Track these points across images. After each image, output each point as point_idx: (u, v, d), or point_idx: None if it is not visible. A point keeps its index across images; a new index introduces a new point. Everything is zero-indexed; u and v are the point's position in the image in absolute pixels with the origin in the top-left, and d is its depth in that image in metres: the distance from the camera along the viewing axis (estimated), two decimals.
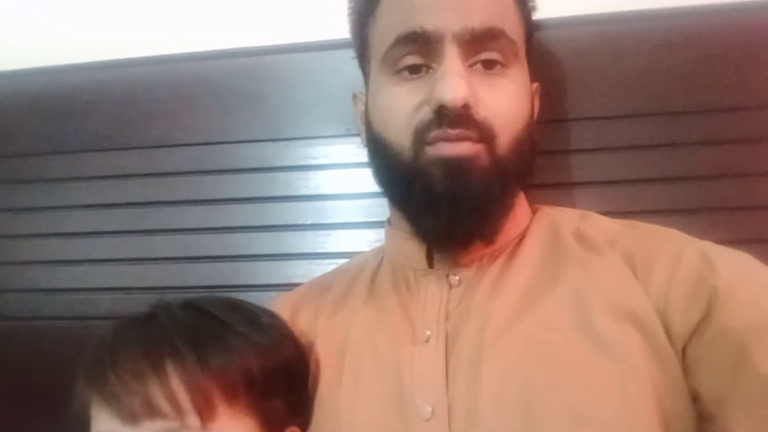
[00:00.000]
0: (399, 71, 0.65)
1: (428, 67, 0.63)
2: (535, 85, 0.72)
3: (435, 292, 0.67)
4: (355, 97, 0.77)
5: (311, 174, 0.93)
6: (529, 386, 0.56)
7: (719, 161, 0.82)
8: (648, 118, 0.84)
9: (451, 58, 0.61)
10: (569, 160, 0.86)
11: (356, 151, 0.90)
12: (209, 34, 0.98)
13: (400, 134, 0.64)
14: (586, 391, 0.55)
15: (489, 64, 0.63)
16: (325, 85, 0.92)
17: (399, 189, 0.66)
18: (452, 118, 0.60)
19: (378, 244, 0.81)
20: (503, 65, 0.64)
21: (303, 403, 0.65)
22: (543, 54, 0.84)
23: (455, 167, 0.61)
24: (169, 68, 0.97)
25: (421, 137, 0.62)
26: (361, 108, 0.74)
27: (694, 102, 0.83)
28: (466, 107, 0.60)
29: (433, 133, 0.61)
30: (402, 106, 0.64)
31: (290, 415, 0.63)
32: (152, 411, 0.55)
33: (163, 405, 0.55)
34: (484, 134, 0.62)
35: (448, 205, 0.61)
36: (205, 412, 0.56)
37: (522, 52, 0.67)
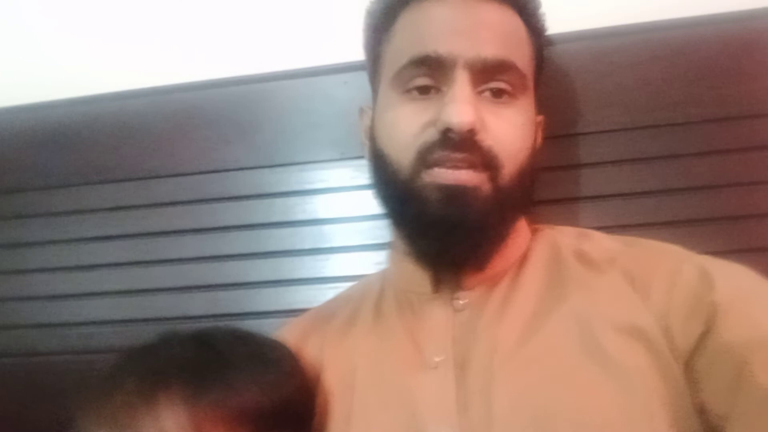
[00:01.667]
0: (408, 90, 0.65)
1: (438, 90, 0.64)
2: (540, 117, 0.73)
3: (440, 317, 0.66)
4: (361, 110, 0.77)
5: (308, 199, 0.93)
6: (541, 411, 0.56)
7: (718, 171, 0.82)
8: (644, 130, 0.84)
9: (462, 83, 0.62)
10: (568, 175, 0.86)
11: (352, 174, 0.91)
12: (201, 65, 0.98)
13: (402, 152, 0.64)
14: (597, 412, 0.54)
15: (497, 93, 0.64)
16: (318, 111, 0.93)
17: (395, 208, 0.67)
18: (457, 141, 0.60)
19: (377, 267, 0.81)
20: (511, 95, 0.64)
21: None
22: (546, 69, 0.84)
23: (453, 194, 0.61)
24: (163, 99, 0.98)
25: (422, 158, 0.62)
26: (367, 122, 0.74)
27: (690, 113, 0.83)
28: (472, 132, 0.60)
29: (436, 155, 0.61)
30: (408, 125, 0.64)
31: None
32: None
33: None
34: (489, 163, 0.62)
35: (442, 230, 0.62)
36: None
37: (531, 84, 0.68)
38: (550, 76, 0.85)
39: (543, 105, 0.77)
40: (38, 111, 1.02)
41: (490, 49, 0.63)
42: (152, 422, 0.55)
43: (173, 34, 1.00)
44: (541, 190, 0.82)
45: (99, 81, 0.99)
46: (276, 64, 0.95)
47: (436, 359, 0.63)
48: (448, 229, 0.61)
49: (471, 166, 0.61)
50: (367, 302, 0.73)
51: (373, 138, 0.70)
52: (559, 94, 0.85)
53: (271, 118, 0.94)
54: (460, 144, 0.60)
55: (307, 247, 0.93)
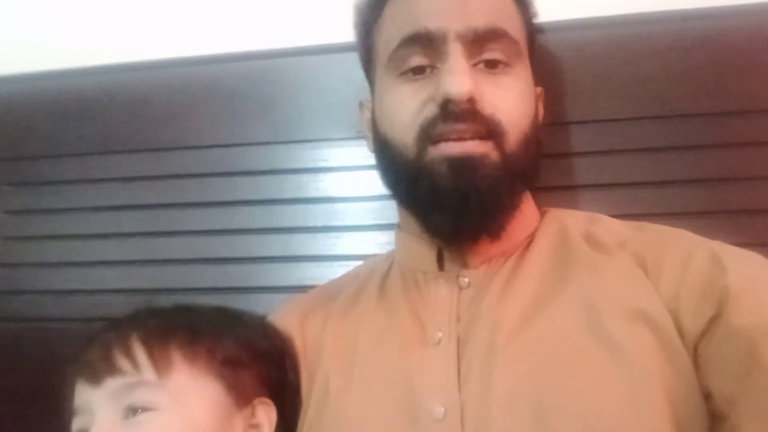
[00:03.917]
0: (404, 72, 0.66)
1: (433, 68, 0.64)
2: (539, 89, 0.73)
3: (445, 294, 0.67)
4: (361, 105, 0.78)
5: (321, 176, 0.94)
6: (541, 392, 0.56)
7: (725, 164, 0.82)
8: (655, 121, 0.84)
9: (456, 55, 0.62)
10: (575, 163, 0.86)
11: (366, 153, 0.89)
12: (220, 38, 0.98)
13: (405, 133, 0.64)
14: (599, 397, 0.55)
15: (492, 64, 0.65)
16: (335, 89, 0.93)
17: (405, 189, 0.67)
18: (458, 113, 0.61)
19: (388, 247, 0.81)
20: (506, 65, 0.65)
21: (279, 384, 0.67)
22: (550, 57, 0.84)
23: (462, 164, 0.61)
24: (181, 71, 0.98)
25: (426, 134, 0.63)
26: (368, 115, 0.75)
27: (701, 105, 0.83)
28: (471, 101, 0.61)
29: (439, 129, 0.62)
30: (407, 105, 0.65)
31: (262, 390, 0.65)
32: (112, 369, 0.59)
33: (122, 362, 0.59)
34: (493, 130, 0.62)
35: (454, 201, 0.62)
36: (162, 366, 0.60)
37: (525, 53, 0.68)
38: (563, 63, 0.85)
39: (554, 91, 0.77)
40: (55, 79, 1.02)
41: (480, 19, 0.63)
42: (121, 349, 0.60)
43: (195, 6, 1.00)
44: (548, 177, 0.82)
45: (117, 51, 1.00)
46: (295, 41, 0.95)
47: (438, 335, 0.64)
48: (460, 200, 0.62)
49: (475, 135, 0.62)
50: (373, 280, 0.74)
51: (375, 127, 0.71)
52: (571, 81, 0.85)
53: (288, 95, 0.94)
54: (462, 115, 0.61)
55: (318, 224, 0.93)
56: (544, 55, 0.82)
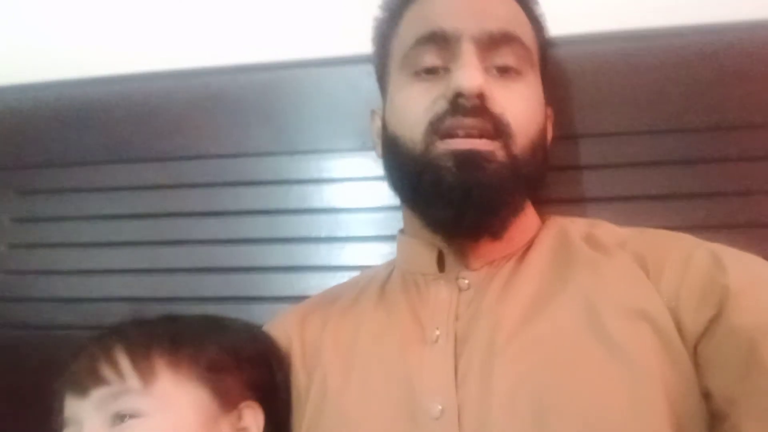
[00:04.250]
0: (417, 72, 0.66)
1: (446, 69, 0.65)
2: (549, 109, 0.73)
3: (444, 295, 0.67)
4: (373, 113, 0.79)
5: (325, 187, 0.94)
6: (541, 392, 0.56)
7: (733, 178, 0.82)
8: (662, 135, 0.84)
9: (468, 54, 0.63)
10: (582, 176, 0.86)
11: (370, 165, 0.91)
12: (227, 49, 0.99)
13: (413, 128, 0.65)
14: (599, 397, 0.55)
15: (504, 70, 0.65)
16: (340, 100, 0.93)
17: (409, 183, 0.67)
18: (468, 107, 0.61)
19: (391, 258, 0.81)
20: (518, 72, 0.66)
21: (267, 388, 0.67)
22: (558, 71, 0.84)
23: (468, 160, 0.62)
24: (187, 82, 0.99)
25: (434, 128, 0.63)
26: (378, 123, 0.75)
27: (708, 119, 0.83)
28: (481, 97, 0.61)
29: (447, 123, 0.62)
30: (418, 102, 0.65)
31: (249, 394, 0.66)
32: (97, 379, 0.60)
33: (106, 372, 0.60)
34: (501, 130, 0.63)
35: (457, 196, 0.62)
36: (146, 374, 0.61)
37: (536, 64, 0.69)
38: (571, 77, 0.85)
39: (562, 104, 0.77)
40: (62, 88, 1.03)
41: (494, 23, 0.64)
42: (105, 360, 0.61)
43: (200, 17, 1.01)
44: (554, 189, 0.83)
45: (124, 61, 1.01)
46: (301, 52, 0.95)
47: (437, 333, 0.64)
48: (463, 195, 0.62)
49: (483, 133, 0.62)
50: (373, 285, 0.75)
51: (384, 129, 0.72)
52: (579, 94, 0.86)
53: (293, 106, 0.95)
54: (471, 110, 0.62)
55: (322, 235, 0.93)
56: (552, 68, 0.82)
